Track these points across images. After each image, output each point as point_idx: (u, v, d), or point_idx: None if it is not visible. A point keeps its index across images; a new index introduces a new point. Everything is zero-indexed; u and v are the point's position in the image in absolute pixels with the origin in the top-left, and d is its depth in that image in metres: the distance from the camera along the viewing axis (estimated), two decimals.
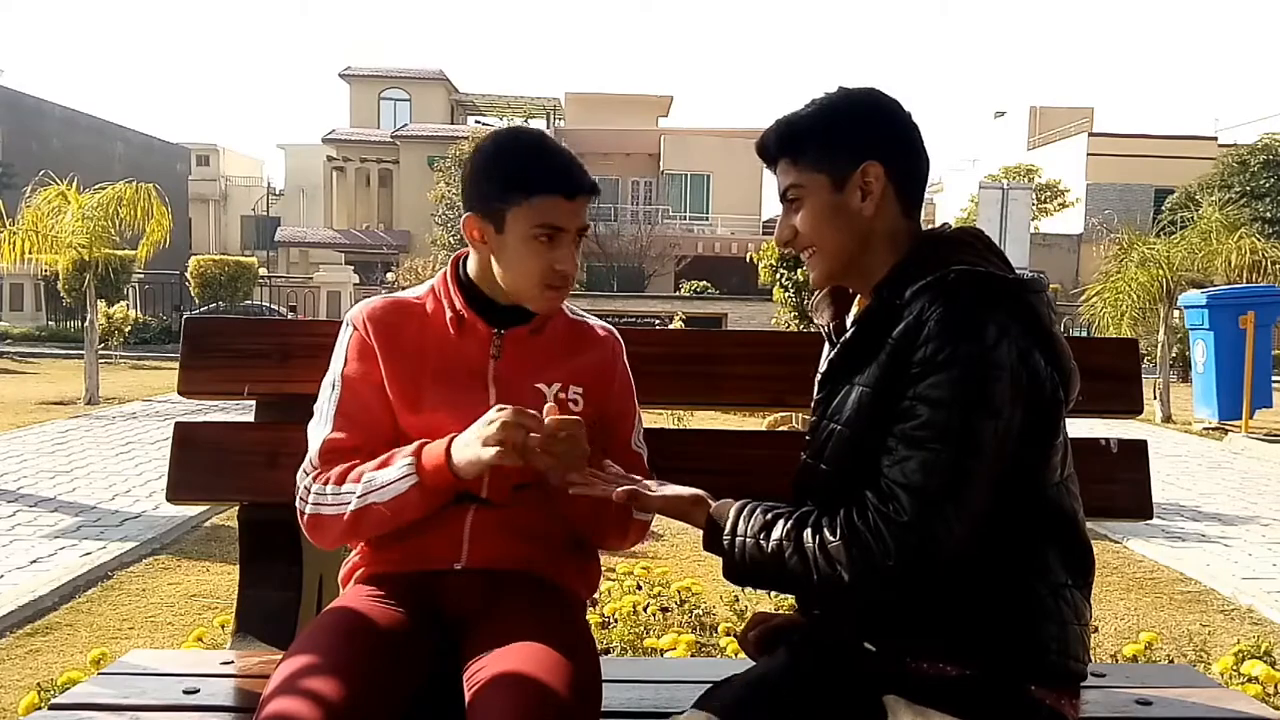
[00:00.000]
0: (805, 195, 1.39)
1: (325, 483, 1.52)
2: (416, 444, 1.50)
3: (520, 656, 1.36)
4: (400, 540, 1.56)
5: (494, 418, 1.41)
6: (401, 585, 1.56)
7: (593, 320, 1.73)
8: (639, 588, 3.73)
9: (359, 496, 1.48)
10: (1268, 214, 22.75)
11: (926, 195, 1.48)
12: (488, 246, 1.57)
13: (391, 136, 37.11)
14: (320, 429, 1.56)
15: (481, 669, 1.38)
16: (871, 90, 1.42)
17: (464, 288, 1.62)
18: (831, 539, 1.27)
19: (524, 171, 1.52)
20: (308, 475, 1.54)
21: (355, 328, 1.60)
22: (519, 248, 1.53)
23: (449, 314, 1.60)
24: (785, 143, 1.40)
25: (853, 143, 1.37)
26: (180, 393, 1.91)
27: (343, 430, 1.55)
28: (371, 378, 1.57)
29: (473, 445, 1.43)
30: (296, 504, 1.55)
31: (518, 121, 34.35)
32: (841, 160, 1.37)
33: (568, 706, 1.30)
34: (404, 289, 1.72)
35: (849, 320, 1.45)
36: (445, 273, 1.65)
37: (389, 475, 1.48)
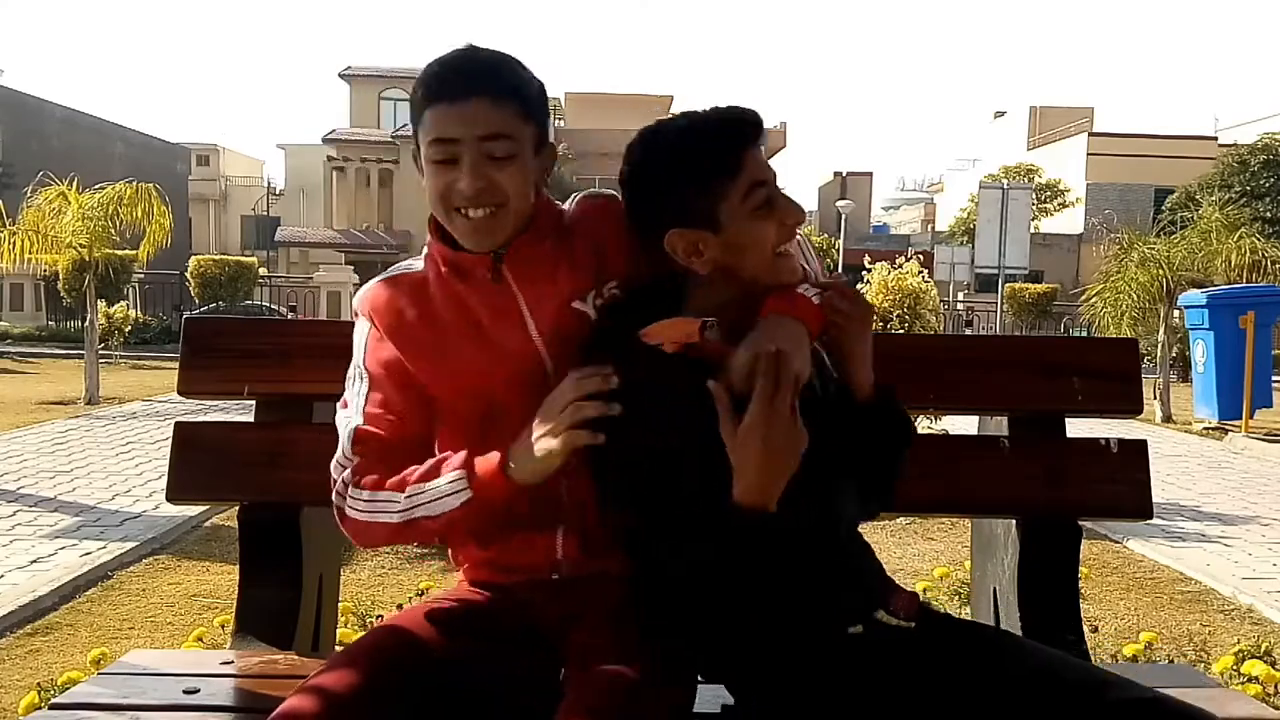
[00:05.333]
0: None
1: (364, 487, 1.40)
2: (464, 455, 1.36)
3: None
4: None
5: (558, 400, 1.31)
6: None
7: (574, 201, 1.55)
8: None
9: (403, 510, 1.37)
10: (1268, 214, 22.78)
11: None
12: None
13: (391, 136, 37.02)
14: (350, 419, 1.45)
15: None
16: None
17: (447, 239, 1.47)
18: None
19: (417, 90, 1.38)
20: (344, 469, 1.42)
21: (364, 318, 1.50)
22: (428, 180, 1.39)
23: (443, 269, 1.47)
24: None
25: None
26: (180, 393, 1.91)
27: (374, 422, 1.43)
28: (394, 366, 1.46)
29: (539, 441, 1.31)
30: (334, 499, 1.44)
31: None
32: None
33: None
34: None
35: None
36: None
37: (438, 488, 1.36)
